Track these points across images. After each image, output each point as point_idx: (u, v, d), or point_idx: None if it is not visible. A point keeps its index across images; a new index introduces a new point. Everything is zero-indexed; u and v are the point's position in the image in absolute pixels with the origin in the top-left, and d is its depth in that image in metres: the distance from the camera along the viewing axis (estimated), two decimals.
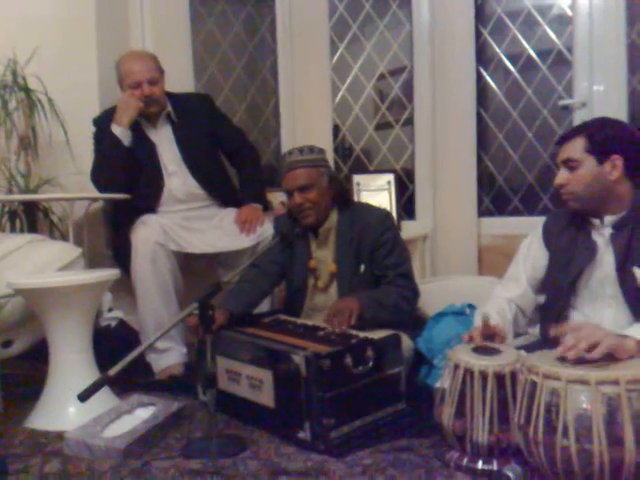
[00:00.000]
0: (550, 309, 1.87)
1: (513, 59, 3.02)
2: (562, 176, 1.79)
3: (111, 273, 2.17)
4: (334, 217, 2.26)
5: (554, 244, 1.90)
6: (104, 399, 2.05)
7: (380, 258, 2.20)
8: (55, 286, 2.02)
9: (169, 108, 2.73)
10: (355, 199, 2.98)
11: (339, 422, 1.77)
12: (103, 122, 2.66)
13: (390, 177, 3.14)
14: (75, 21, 2.94)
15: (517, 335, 1.90)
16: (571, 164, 1.77)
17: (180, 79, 3.04)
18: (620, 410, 1.34)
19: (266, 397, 1.88)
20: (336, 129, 3.35)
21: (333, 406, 1.75)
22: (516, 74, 3.02)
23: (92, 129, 2.72)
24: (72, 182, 2.84)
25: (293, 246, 2.30)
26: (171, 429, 1.97)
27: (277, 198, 3.15)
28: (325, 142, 3.19)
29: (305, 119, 3.31)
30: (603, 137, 1.74)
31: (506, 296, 1.92)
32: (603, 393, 1.35)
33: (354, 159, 3.39)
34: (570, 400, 1.37)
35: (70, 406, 2.03)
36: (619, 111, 2.69)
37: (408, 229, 3.06)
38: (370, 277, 2.22)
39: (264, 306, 2.49)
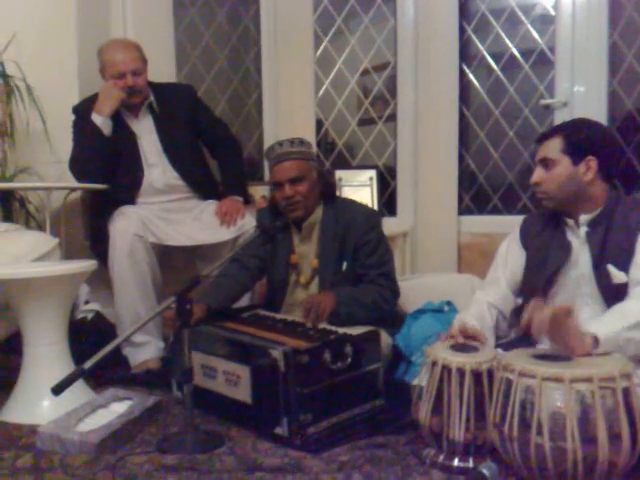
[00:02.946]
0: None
1: (496, 57, 3.03)
2: (537, 175, 1.82)
3: (88, 265, 2.14)
4: (319, 212, 2.24)
5: (531, 245, 1.92)
6: (79, 393, 2.02)
7: (363, 256, 2.18)
8: (30, 277, 1.98)
9: (151, 98, 2.69)
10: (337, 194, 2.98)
11: (316, 418, 1.76)
12: (83, 110, 2.62)
13: (372, 173, 3.14)
14: (55, 7, 2.89)
15: (499, 339, 1.91)
16: (547, 163, 1.80)
17: (161, 69, 3.01)
18: (593, 408, 1.36)
19: (243, 393, 1.87)
20: (319, 123, 3.33)
21: (311, 402, 1.75)
22: (499, 72, 3.03)
23: (71, 117, 2.67)
24: (50, 171, 2.80)
25: (274, 240, 2.28)
26: (147, 424, 1.95)
27: (259, 191, 3.13)
28: (308, 136, 3.13)
29: (288, 112, 3.29)
30: (579, 138, 1.77)
31: (487, 300, 1.91)
32: (577, 391, 1.37)
33: (337, 154, 3.37)
34: (545, 398, 1.39)
35: (44, 399, 2.00)
36: (599, 111, 2.72)
37: (389, 226, 3.05)
38: (352, 274, 2.21)
39: (243, 301, 2.47)
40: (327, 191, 2.26)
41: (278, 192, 2.19)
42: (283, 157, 2.15)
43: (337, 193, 2.92)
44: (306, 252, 2.25)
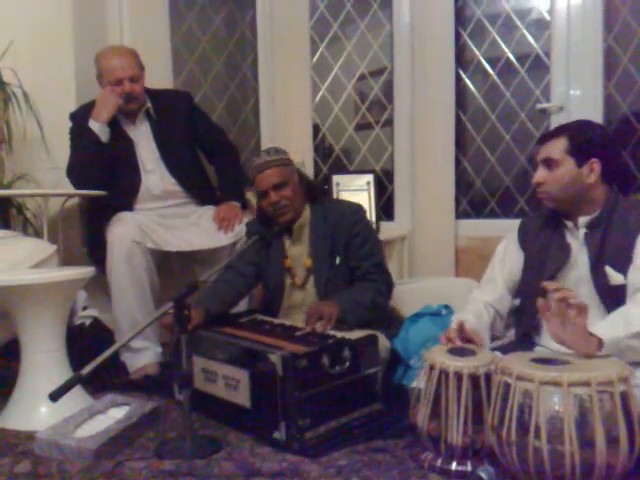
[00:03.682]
0: (525, 311, 1.89)
1: (492, 62, 3.04)
2: (540, 174, 1.81)
3: (86, 271, 2.14)
4: (307, 213, 2.28)
5: (529, 246, 1.92)
6: (77, 399, 2.02)
7: (354, 249, 2.22)
8: (28, 283, 1.98)
9: (148, 105, 2.70)
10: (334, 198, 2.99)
11: (314, 422, 1.76)
12: (80, 117, 2.62)
13: (370, 178, 3.14)
14: (52, 14, 2.89)
15: (495, 339, 1.91)
16: (550, 163, 1.79)
17: (158, 75, 3.01)
18: (591, 412, 1.36)
19: (242, 397, 1.87)
20: (316, 129, 3.34)
21: (309, 406, 1.75)
22: (495, 77, 3.04)
23: (68, 124, 2.67)
24: (47, 177, 2.80)
25: (268, 247, 2.29)
26: (145, 429, 1.94)
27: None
28: (305, 141, 3.19)
29: (285, 118, 3.30)
30: (584, 140, 1.76)
31: (484, 299, 1.93)
32: (575, 395, 1.37)
33: (334, 159, 3.38)
34: (542, 401, 1.39)
35: (42, 406, 2.00)
36: (595, 115, 2.72)
37: (386, 230, 3.06)
38: (345, 269, 2.24)
39: (241, 306, 2.48)
40: (311, 192, 2.30)
41: (264, 200, 2.23)
42: (263, 166, 2.20)
43: (324, 193, 2.94)
44: (298, 254, 2.27)
